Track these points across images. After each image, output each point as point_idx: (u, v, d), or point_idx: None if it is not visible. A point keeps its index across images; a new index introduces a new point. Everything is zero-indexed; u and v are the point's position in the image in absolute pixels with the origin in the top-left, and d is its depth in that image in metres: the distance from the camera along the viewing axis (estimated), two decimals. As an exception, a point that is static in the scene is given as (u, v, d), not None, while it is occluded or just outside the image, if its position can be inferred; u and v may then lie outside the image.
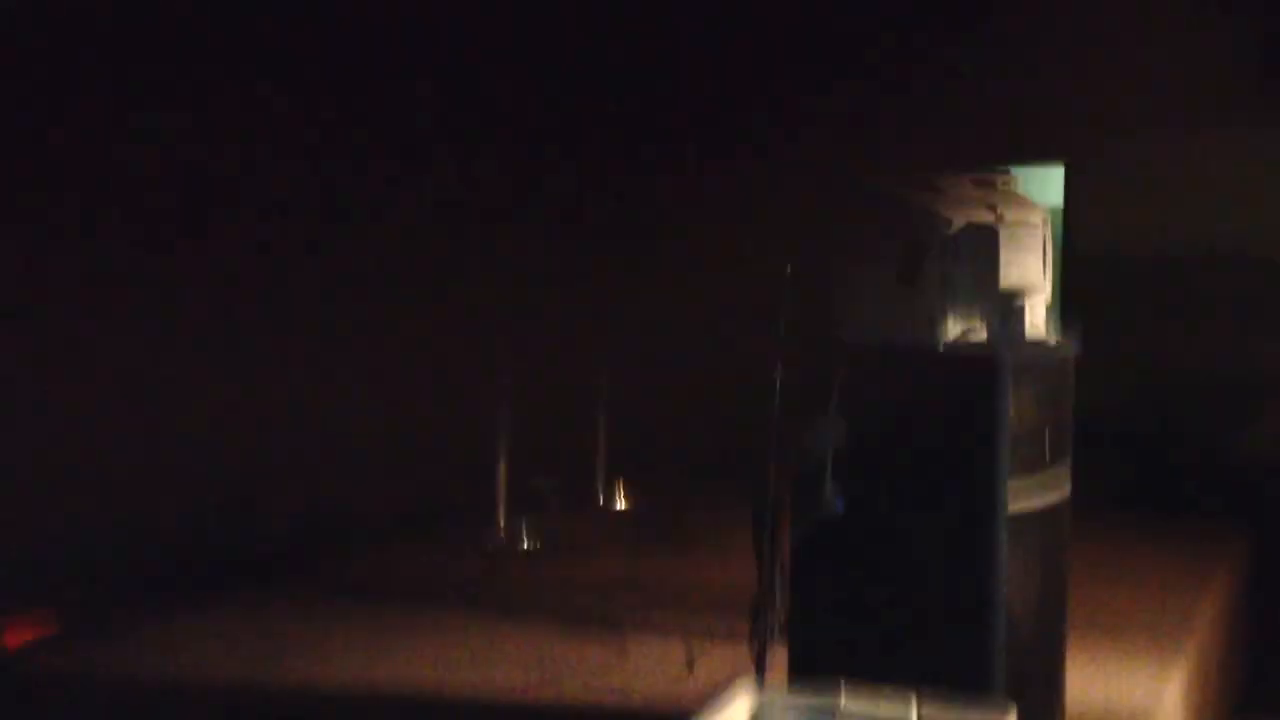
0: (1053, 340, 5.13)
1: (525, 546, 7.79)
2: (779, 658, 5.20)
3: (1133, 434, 12.51)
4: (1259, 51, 11.40)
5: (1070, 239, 13.86)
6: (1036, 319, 5.03)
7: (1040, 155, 14.08)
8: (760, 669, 5.16)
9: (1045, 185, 15.09)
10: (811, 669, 5.04)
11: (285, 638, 6.31)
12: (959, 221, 4.88)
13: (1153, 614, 6.96)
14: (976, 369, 4.84)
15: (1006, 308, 4.95)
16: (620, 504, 8.70)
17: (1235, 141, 12.91)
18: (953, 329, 4.92)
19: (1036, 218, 5.04)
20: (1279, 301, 11.55)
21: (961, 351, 4.90)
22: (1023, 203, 5.11)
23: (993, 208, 4.95)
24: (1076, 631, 5.45)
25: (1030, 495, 4.93)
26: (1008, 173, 5.26)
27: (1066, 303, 13.91)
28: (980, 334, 4.96)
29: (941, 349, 4.90)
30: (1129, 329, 13.37)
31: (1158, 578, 7.70)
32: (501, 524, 7.79)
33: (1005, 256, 4.90)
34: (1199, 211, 13.15)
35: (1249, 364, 12.63)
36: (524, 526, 7.85)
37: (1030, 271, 4.99)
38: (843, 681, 4.61)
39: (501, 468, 7.77)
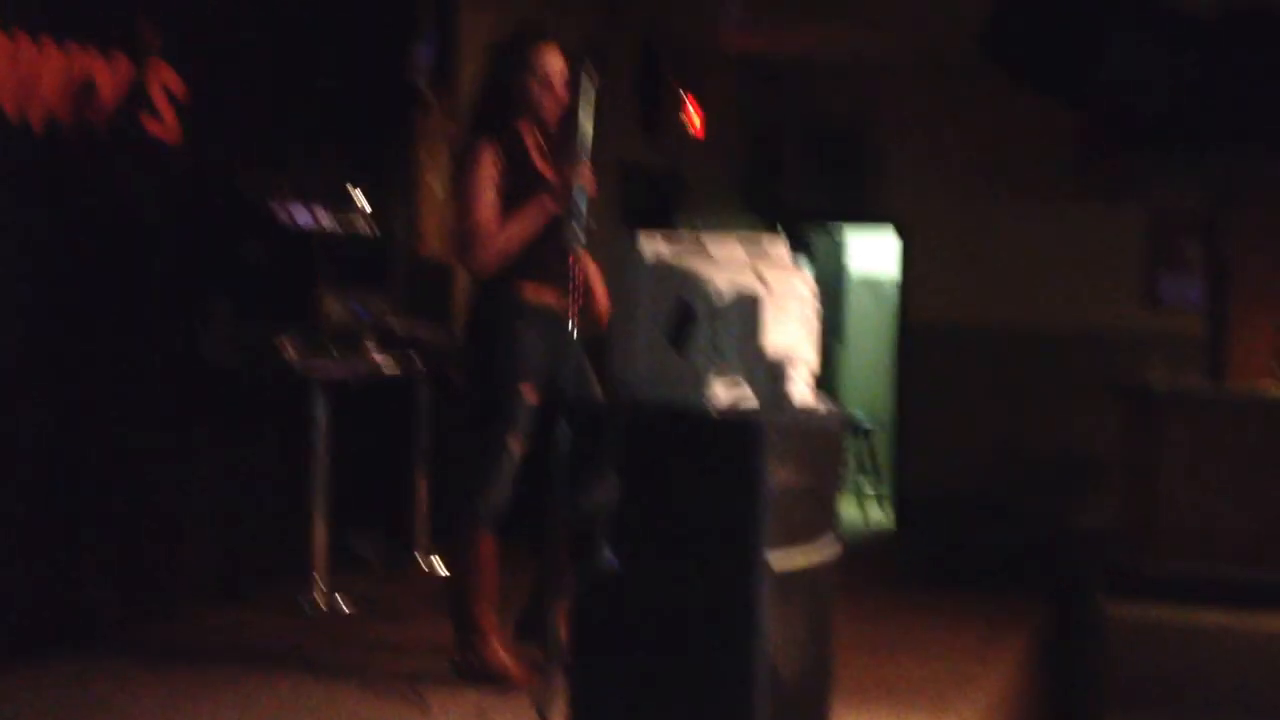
0: (821, 407, 5.26)
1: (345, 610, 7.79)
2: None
3: (957, 503, 12.76)
4: (1078, 137, 11.71)
5: (905, 305, 14.17)
6: (803, 386, 5.17)
7: (874, 217, 14.43)
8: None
9: (878, 250, 15.44)
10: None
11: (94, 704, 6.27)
12: (726, 288, 5.02)
13: (934, 683, 7.09)
14: (740, 432, 4.98)
15: (773, 374, 5.09)
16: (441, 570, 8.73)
17: (1060, 217, 13.24)
18: (721, 393, 5.05)
19: (803, 285, 5.19)
20: (1099, 378, 11.78)
21: (727, 415, 5.03)
22: (789, 269, 5.26)
23: (758, 273, 5.09)
24: (854, 697, 5.56)
25: (796, 556, 5.06)
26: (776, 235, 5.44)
27: (902, 370, 14.22)
28: (749, 399, 5.09)
29: (709, 412, 5.03)
30: (960, 400, 13.64)
31: (947, 648, 7.84)
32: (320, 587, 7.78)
33: (771, 324, 5.04)
34: (1027, 284, 13.46)
35: (1071, 439, 12.90)
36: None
37: (796, 339, 5.13)
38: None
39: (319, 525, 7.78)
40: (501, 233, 6.19)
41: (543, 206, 6.14)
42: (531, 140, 6.39)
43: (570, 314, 5.81)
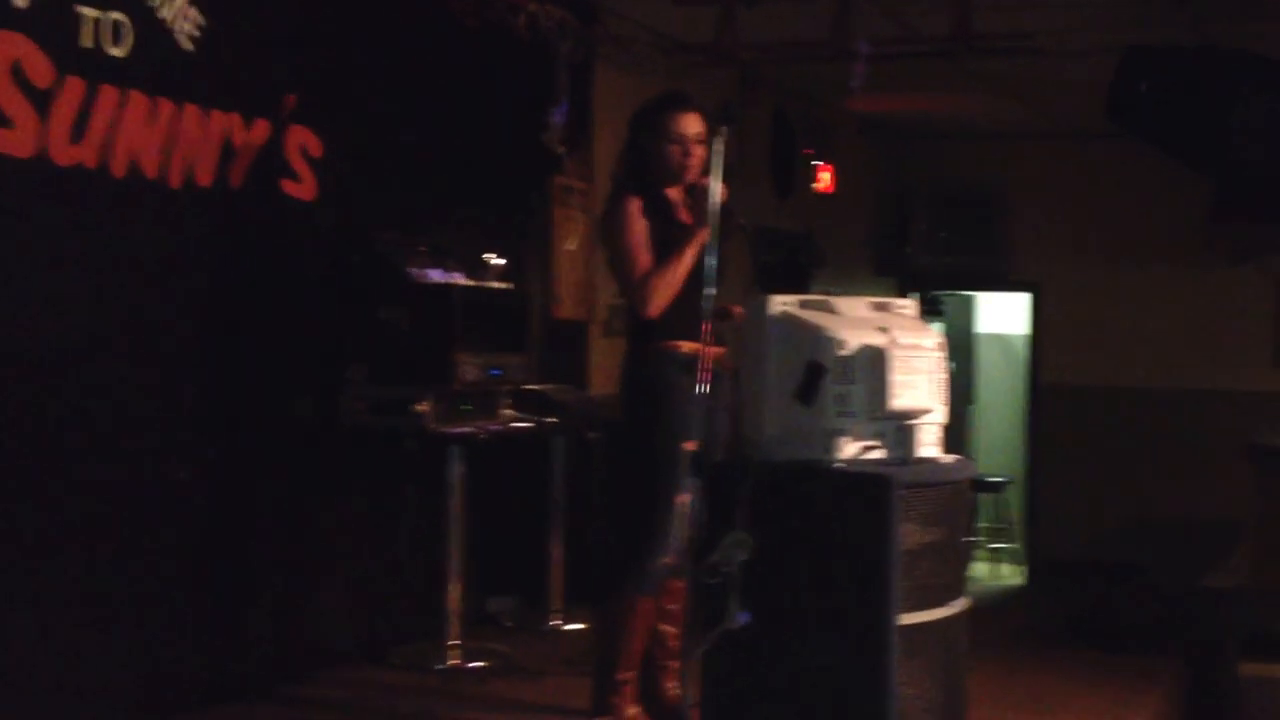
0: (947, 460, 5.31)
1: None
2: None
3: (1088, 561, 12.69)
4: (1207, 203, 11.67)
5: (1036, 366, 14.15)
6: (928, 439, 5.23)
7: (1004, 281, 14.42)
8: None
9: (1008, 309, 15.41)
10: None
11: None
12: (853, 343, 5.09)
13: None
14: (869, 488, 5.04)
15: (901, 430, 5.15)
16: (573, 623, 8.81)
17: (1188, 280, 13.19)
18: (850, 450, 5.12)
19: (930, 340, 5.25)
20: (1230, 438, 11.69)
21: (856, 471, 5.09)
22: (916, 325, 5.32)
23: (885, 330, 5.16)
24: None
25: (926, 612, 5.11)
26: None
27: (1033, 430, 14.17)
28: (876, 452, 5.16)
29: (839, 468, 5.10)
30: (1091, 459, 13.59)
31: (1082, 708, 7.81)
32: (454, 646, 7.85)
33: (899, 380, 5.10)
34: (1156, 345, 13.41)
35: (1203, 499, 12.81)
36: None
37: (922, 393, 5.19)
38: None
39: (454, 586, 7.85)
40: (667, 272, 6.22)
41: (700, 240, 6.10)
42: (677, 201, 6.45)
43: (726, 369, 5.87)
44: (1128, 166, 12.40)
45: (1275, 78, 8.87)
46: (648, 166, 6.45)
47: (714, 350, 5.56)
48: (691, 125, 6.40)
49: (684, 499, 6.07)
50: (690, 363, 5.86)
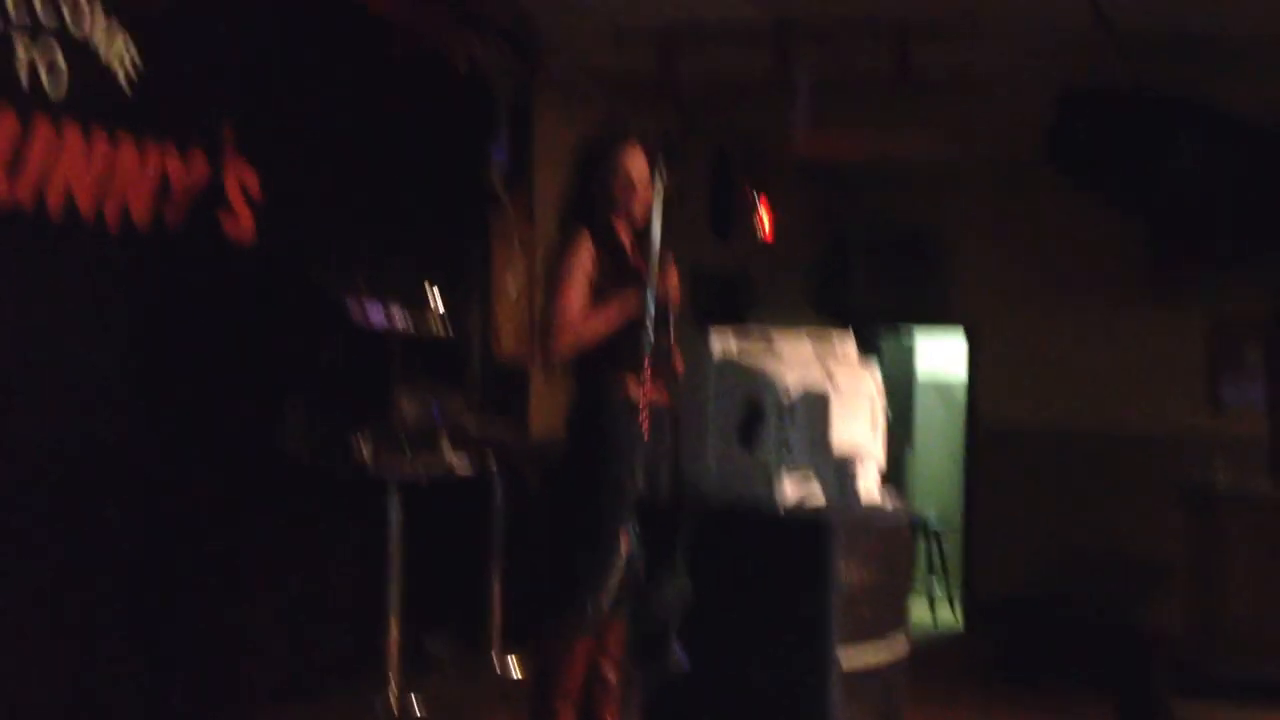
0: (889, 505, 5.32)
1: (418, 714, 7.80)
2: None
3: (1025, 604, 12.73)
4: (1144, 246, 11.76)
5: (974, 408, 14.21)
6: (868, 481, 5.23)
7: (941, 319, 14.48)
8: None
9: (947, 352, 15.48)
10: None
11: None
12: (794, 386, 5.09)
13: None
14: (810, 530, 5.04)
15: (841, 471, 5.16)
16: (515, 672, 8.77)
17: (1125, 320, 13.28)
18: (790, 491, 5.12)
19: (870, 383, 5.26)
20: (1164, 480, 11.75)
21: (796, 513, 5.09)
22: (856, 367, 5.33)
23: (826, 372, 5.16)
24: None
25: (866, 654, 5.11)
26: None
27: (970, 472, 14.22)
28: (818, 496, 5.16)
29: (779, 509, 5.10)
30: (1028, 501, 13.64)
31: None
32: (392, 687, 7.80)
33: (839, 421, 5.11)
34: (1093, 387, 13.49)
35: (1137, 540, 12.87)
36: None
37: (862, 435, 5.20)
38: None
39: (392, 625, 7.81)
40: (584, 324, 6.21)
41: (626, 305, 6.13)
42: (625, 237, 6.44)
43: (669, 408, 5.87)
44: (1066, 209, 12.45)
45: (1209, 122, 8.95)
46: (595, 200, 6.45)
47: (656, 391, 5.55)
48: (636, 160, 6.40)
49: (625, 539, 6.06)
50: (636, 405, 5.85)
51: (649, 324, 5.52)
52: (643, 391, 5.43)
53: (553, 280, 6.32)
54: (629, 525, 5.96)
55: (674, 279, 6.14)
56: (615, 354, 6.22)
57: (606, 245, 6.37)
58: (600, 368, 6.26)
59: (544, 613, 6.78)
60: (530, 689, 6.64)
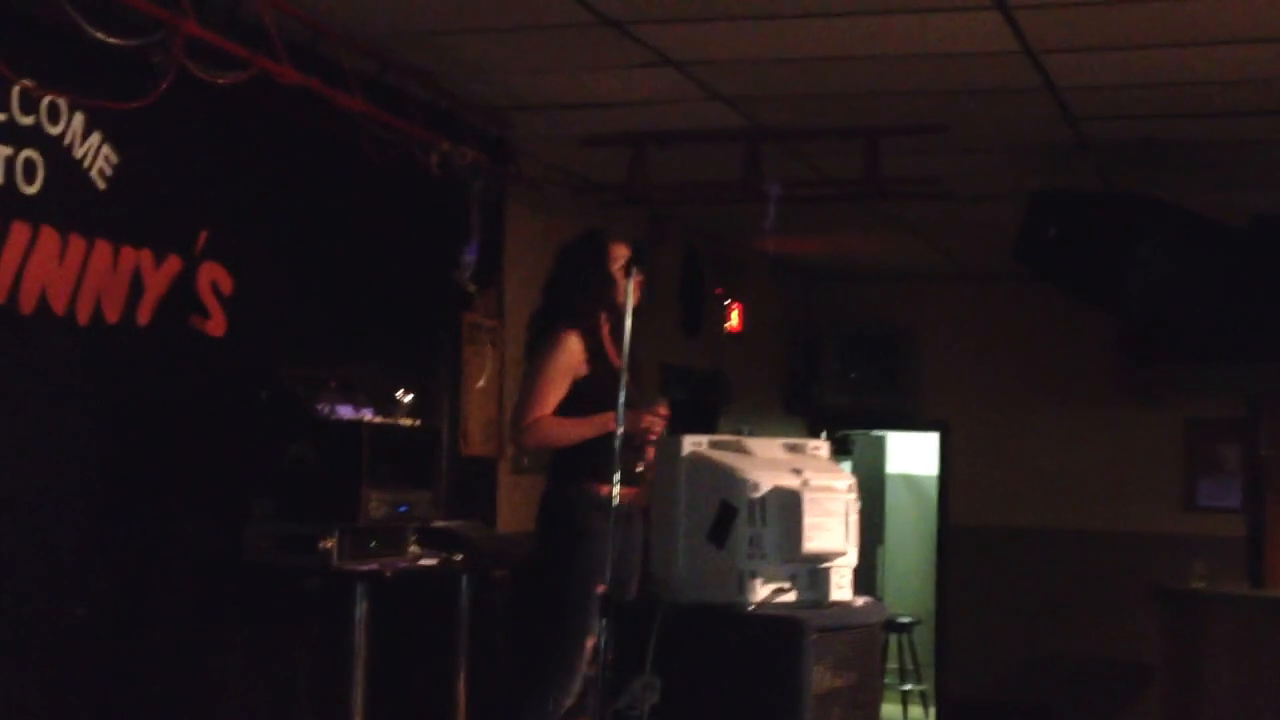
0: (859, 603, 5.30)
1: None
2: None
3: (994, 704, 12.67)
4: (1114, 346, 11.78)
5: (945, 506, 14.20)
6: (841, 581, 5.21)
7: (913, 420, 14.49)
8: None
9: (918, 449, 15.49)
10: None
11: None
12: (766, 485, 5.09)
13: None
14: (781, 631, 5.02)
15: (813, 572, 5.14)
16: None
17: (1098, 421, 13.30)
18: (760, 590, 5.10)
19: (842, 483, 5.25)
20: (1139, 579, 11.76)
21: (767, 614, 5.07)
22: (828, 467, 5.33)
23: (798, 471, 5.15)
24: None
25: (838, 755, 5.08)
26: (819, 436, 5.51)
27: (942, 570, 14.20)
28: (789, 597, 5.14)
29: (749, 610, 5.08)
30: (1000, 599, 13.61)
31: None
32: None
33: (809, 521, 5.09)
34: (1066, 486, 13.49)
35: (1112, 640, 12.84)
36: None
37: (835, 536, 5.18)
38: None
39: None
40: (558, 426, 6.26)
41: (604, 425, 6.19)
42: (606, 331, 6.51)
43: (640, 505, 5.88)
44: (1036, 308, 12.52)
45: (1176, 223, 8.99)
46: (582, 299, 6.51)
47: (629, 490, 5.55)
48: (624, 254, 6.49)
49: (592, 640, 6.05)
50: (608, 504, 5.85)
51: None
52: (614, 489, 5.44)
53: (533, 375, 6.38)
54: (597, 623, 6.00)
55: (663, 410, 6.23)
56: (589, 453, 6.26)
57: (590, 343, 6.43)
58: (573, 465, 6.29)
59: (512, 714, 6.77)
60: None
